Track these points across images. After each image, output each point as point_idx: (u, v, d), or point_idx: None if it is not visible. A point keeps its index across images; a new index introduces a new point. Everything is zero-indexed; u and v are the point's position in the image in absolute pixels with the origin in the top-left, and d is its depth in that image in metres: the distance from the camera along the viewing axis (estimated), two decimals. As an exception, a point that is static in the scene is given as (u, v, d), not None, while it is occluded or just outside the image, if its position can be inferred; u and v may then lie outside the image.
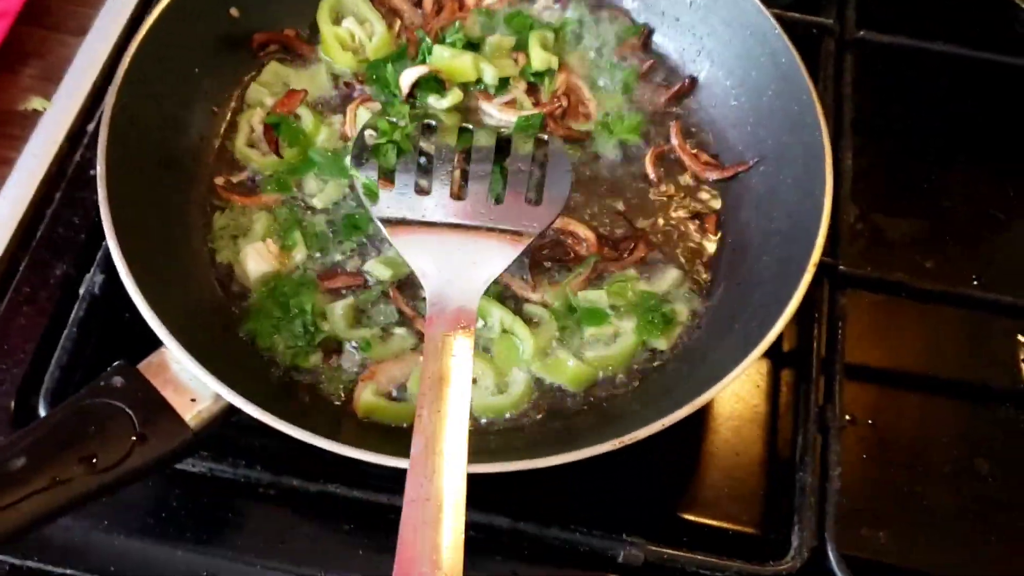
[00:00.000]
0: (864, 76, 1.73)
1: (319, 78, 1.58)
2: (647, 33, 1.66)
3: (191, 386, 1.18)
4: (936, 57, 1.75)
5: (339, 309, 1.37)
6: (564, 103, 1.55)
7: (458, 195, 1.36)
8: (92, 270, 1.42)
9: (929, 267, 1.66)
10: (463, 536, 1.01)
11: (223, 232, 1.44)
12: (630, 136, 1.55)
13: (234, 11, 1.54)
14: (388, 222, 1.33)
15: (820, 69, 1.68)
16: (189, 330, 1.22)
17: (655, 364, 1.40)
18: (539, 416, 1.35)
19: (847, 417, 1.47)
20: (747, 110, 1.54)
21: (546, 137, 1.44)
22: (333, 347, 1.36)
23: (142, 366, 1.20)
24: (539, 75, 1.56)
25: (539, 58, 1.55)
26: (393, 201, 1.35)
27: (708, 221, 1.52)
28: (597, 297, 1.41)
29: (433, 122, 1.45)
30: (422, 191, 1.36)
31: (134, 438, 1.13)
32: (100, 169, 1.28)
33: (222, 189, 1.47)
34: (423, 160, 1.41)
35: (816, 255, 1.29)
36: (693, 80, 1.61)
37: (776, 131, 1.48)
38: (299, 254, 1.42)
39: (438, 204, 1.35)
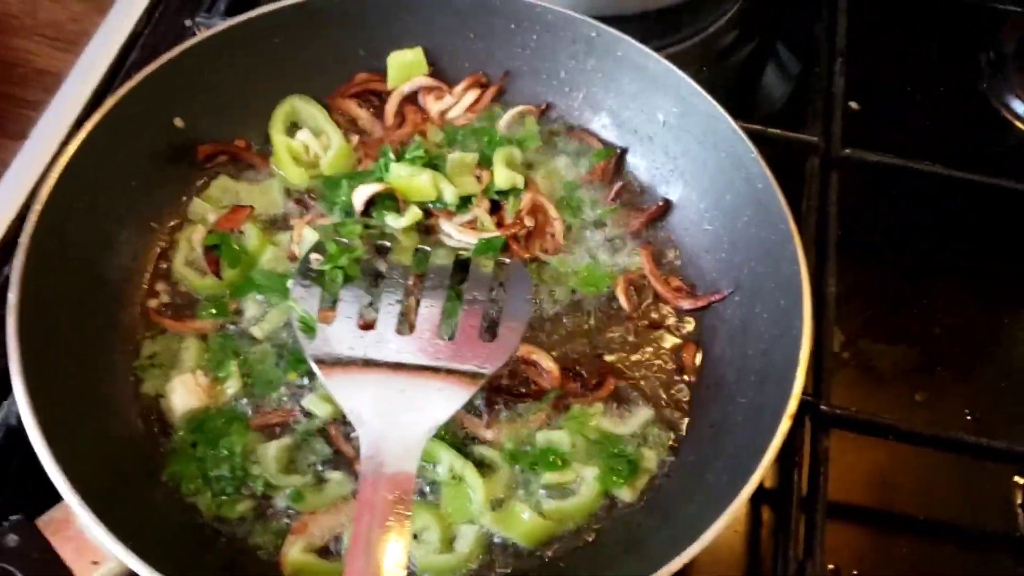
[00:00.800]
0: (850, 195, 1.64)
1: (271, 193, 1.49)
2: (618, 154, 1.57)
3: (95, 546, 1.06)
4: (925, 177, 1.66)
5: (271, 450, 1.25)
6: (530, 224, 1.45)
7: (405, 330, 1.25)
8: (10, 398, 1.30)
9: (920, 400, 1.56)
10: None
11: (151, 361, 1.33)
12: (592, 289, 1.45)
13: (179, 121, 1.45)
14: (322, 362, 1.21)
15: (804, 187, 1.59)
16: (101, 478, 1.12)
17: (619, 518, 1.27)
18: (489, 578, 1.22)
19: (830, 567, 1.36)
20: (722, 235, 1.45)
21: (507, 261, 1.34)
22: (263, 495, 1.24)
23: (42, 521, 1.08)
24: (503, 194, 1.47)
25: (504, 176, 1.46)
26: (331, 337, 1.23)
27: (687, 352, 1.41)
28: (558, 439, 1.30)
29: (388, 243, 1.35)
30: (367, 325, 1.25)
31: (22, 607, 1.02)
32: (12, 296, 1.17)
33: (154, 313, 1.36)
34: (374, 281, 1.32)
35: (793, 405, 1.18)
36: (667, 203, 1.52)
37: (751, 260, 1.39)
38: (232, 388, 1.31)
39: (380, 340, 1.23)
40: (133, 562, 1.02)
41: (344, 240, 1.32)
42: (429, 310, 1.26)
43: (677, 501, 1.25)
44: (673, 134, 1.51)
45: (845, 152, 1.65)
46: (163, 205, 1.45)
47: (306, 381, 1.33)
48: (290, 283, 1.32)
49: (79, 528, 1.06)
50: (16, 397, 1.12)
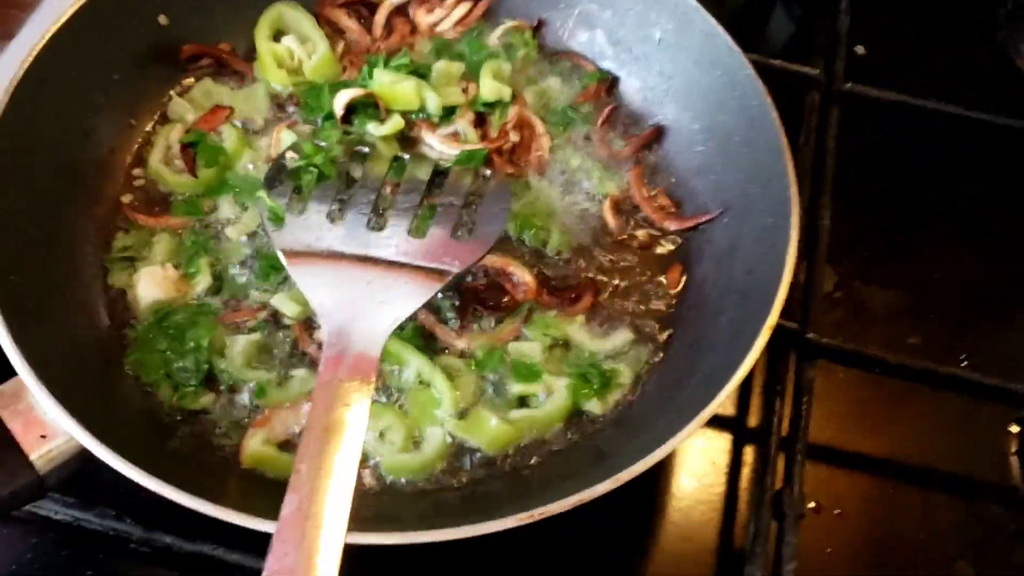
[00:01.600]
0: (850, 132, 1.59)
1: (254, 99, 1.45)
2: (612, 80, 1.53)
3: (44, 421, 1.03)
4: (929, 116, 1.62)
5: (239, 344, 1.22)
6: (515, 138, 1.41)
7: (375, 226, 1.22)
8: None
9: (913, 343, 1.51)
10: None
11: (121, 254, 1.30)
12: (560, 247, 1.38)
13: (163, 18, 1.42)
14: (290, 252, 1.19)
15: (803, 122, 1.56)
16: (60, 361, 1.09)
17: (587, 431, 1.24)
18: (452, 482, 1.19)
19: (811, 504, 1.33)
20: (713, 157, 1.41)
21: (488, 172, 1.31)
22: (225, 388, 1.21)
23: (-9, 390, 1.05)
24: (490, 107, 1.43)
25: (490, 88, 1.42)
26: (299, 228, 1.21)
27: (671, 273, 1.37)
28: (530, 350, 1.26)
29: (366, 149, 1.32)
30: (336, 220, 1.23)
31: (-36, 475, 0.99)
32: (-22, 175, 1.15)
33: (128, 208, 1.34)
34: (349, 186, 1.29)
35: (773, 317, 1.14)
36: (658, 129, 1.48)
37: (742, 181, 1.34)
38: (201, 284, 1.28)
39: (349, 234, 1.20)
40: (85, 438, 0.99)
41: (321, 142, 1.30)
42: (403, 211, 1.23)
43: (647, 417, 1.22)
44: (668, 53, 1.46)
45: (847, 87, 1.61)
46: (143, 103, 1.42)
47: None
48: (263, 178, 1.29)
49: (30, 403, 1.03)
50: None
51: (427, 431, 1.20)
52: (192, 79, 1.46)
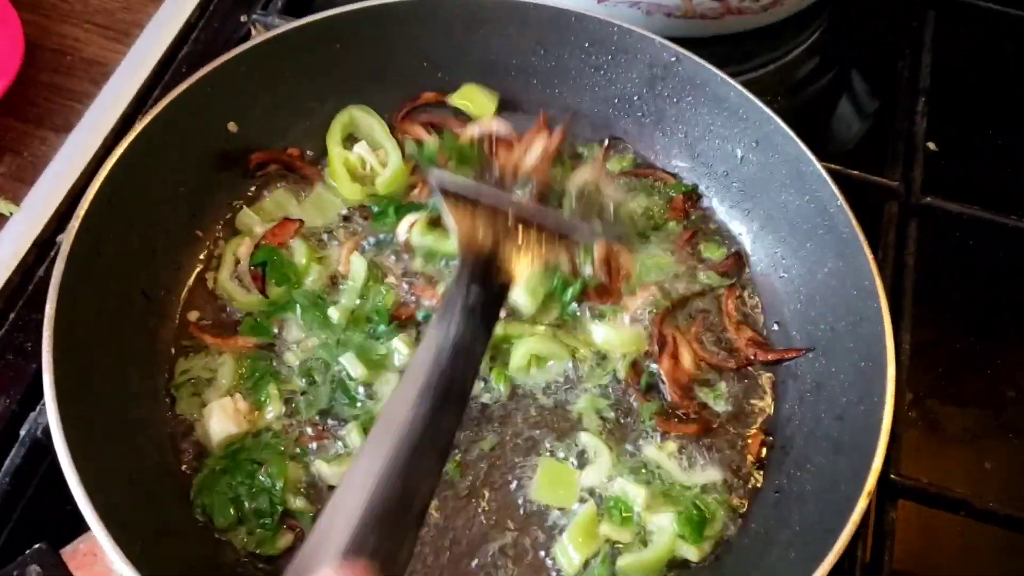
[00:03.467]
0: (928, 246, 1.54)
1: (323, 207, 1.41)
2: (695, 196, 1.49)
3: (121, 587, 0.99)
4: (1009, 232, 1.56)
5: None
6: (602, 275, 1.36)
7: None
8: (38, 409, 1.23)
9: (989, 468, 1.45)
10: None
11: (186, 378, 1.26)
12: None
13: (232, 126, 1.38)
14: (444, 189, 1.19)
15: (881, 235, 1.50)
16: (129, 507, 1.05)
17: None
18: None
19: None
20: (797, 285, 1.36)
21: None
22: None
23: (67, 552, 1.02)
24: None
25: None
26: (452, 175, 1.22)
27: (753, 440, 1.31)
28: (633, 492, 1.22)
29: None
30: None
31: (40, 650, 0.95)
32: (49, 308, 1.10)
33: (195, 327, 1.29)
34: None
35: (871, 481, 1.10)
36: (739, 256, 1.43)
37: (829, 315, 1.30)
38: (271, 413, 1.23)
39: (497, 193, 1.22)
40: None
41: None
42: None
43: (741, 571, 1.17)
44: (751, 171, 1.42)
45: (926, 200, 1.56)
46: (208, 214, 1.38)
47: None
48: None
49: (107, 564, 0.99)
50: (47, 412, 1.05)
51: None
52: (255, 188, 1.42)
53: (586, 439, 1.25)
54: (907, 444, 1.40)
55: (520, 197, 1.22)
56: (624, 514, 1.20)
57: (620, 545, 1.19)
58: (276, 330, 1.30)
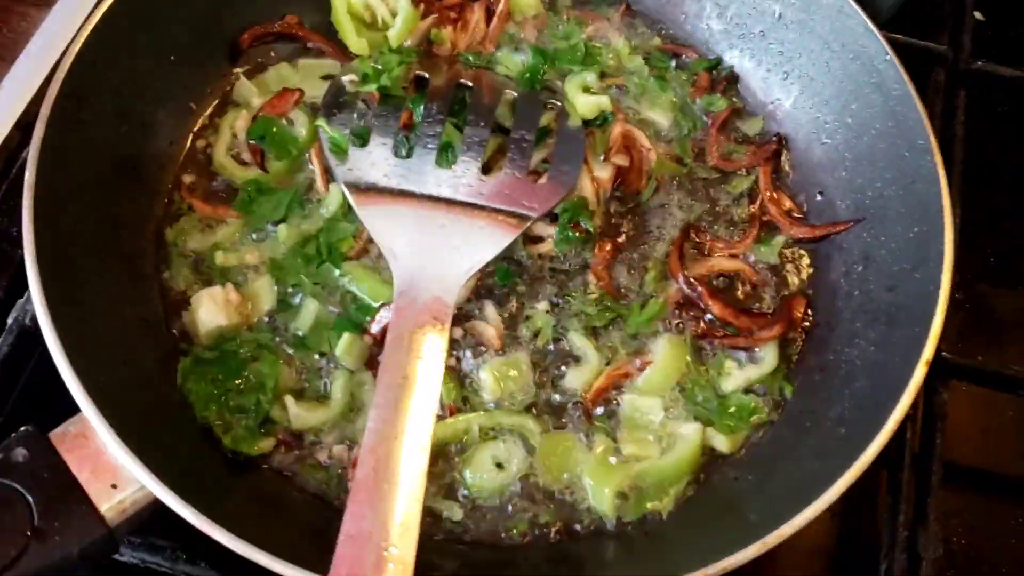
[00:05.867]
0: (978, 115, 1.43)
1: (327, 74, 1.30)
2: (728, 75, 1.37)
3: (114, 467, 0.91)
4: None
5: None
6: (623, 162, 1.25)
7: (444, 162, 1.14)
8: (26, 296, 1.15)
9: (1044, 351, 1.37)
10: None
11: (177, 249, 1.17)
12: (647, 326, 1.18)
13: (224, -11, 1.27)
14: (356, 189, 1.11)
15: (928, 104, 1.38)
16: (120, 387, 0.97)
17: (712, 473, 1.10)
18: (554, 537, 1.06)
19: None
20: (842, 151, 1.25)
21: (557, 104, 1.22)
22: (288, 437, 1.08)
23: (56, 435, 0.94)
24: (588, 124, 1.25)
25: (585, 104, 1.24)
26: (364, 163, 1.13)
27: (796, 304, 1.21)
28: (649, 407, 1.12)
29: (426, 74, 1.23)
30: (402, 155, 1.15)
31: (29, 533, 0.88)
32: (29, 175, 1.02)
33: (187, 191, 1.21)
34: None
35: (930, 350, 1.01)
36: (780, 139, 1.31)
37: (878, 181, 1.20)
38: (267, 302, 1.14)
39: (419, 171, 1.13)
40: (160, 490, 0.88)
41: (379, 66, 1.21)
42: (473, 146, 1.15)
43: (782, 456, 1.08)
44: (790, 32, 1.30)
45: (976, 64, 1.44)
46: (204, 84, 1.28)
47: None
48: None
49: (98, 445, 0.92)
50: (32, 296, 0.97)
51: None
52: (258, 60, 1.32)
53: (576, 340, 1.15)
54: (955, 327, 1.31)
55: (449, 180, 1.12)
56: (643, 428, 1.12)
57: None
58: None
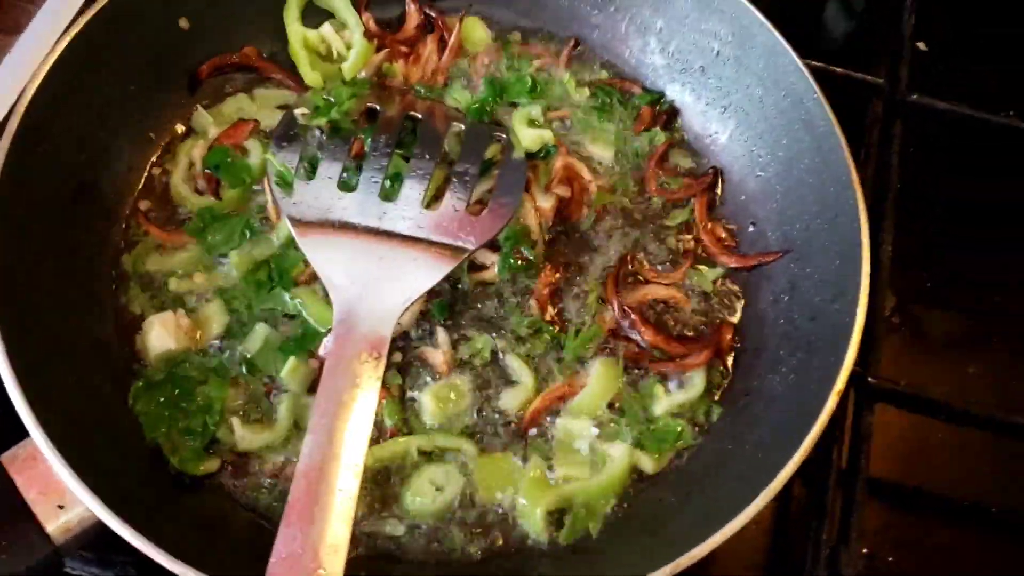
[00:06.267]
0: (913, 145, 1.49)
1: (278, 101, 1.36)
2: (669, 111, 1.42)
3: (61, 488, 0.96)
4: (997, 131, 1.50)
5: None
6: (564, 193, 1.30)
7: (387, 196, 1.19)
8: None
9: (972, 373, 1.42)
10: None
11: (133, 274, 1.22)
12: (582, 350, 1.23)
13: (183, 22, 1.32)
14: (299, 222, 1.16)
15: (865, 133, 1.45)
16: (73, 410, 1.03)
17: (637, 492, 1.15)
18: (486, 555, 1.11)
19: (863, 550, 1.23)
20: (774, 184, 1.31)
21: (503, 136, 1.27)
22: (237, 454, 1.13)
23: (6, 457, 0.99)
24: (532, 156, 1.30)
25: (529, 137, 1.29)
26: (308, 196, 1.18)
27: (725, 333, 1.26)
28: (580, 429, 1.18)
29: (377, 106, 1.28)
30: (347, 188, 1.19)
31: (-24, 549, 0.93)
32: (-11, 197, 1.06)
33: (143, 217, 1.26)
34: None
35: (841, 381, 1.07)
36: (716, 172, 1.37)
37: (806, 214, 1.25)
38: (216, 327, 1.19)
39: (362, 204, 1.17)
40: (102, 511, 0.93)
41: (331, 98, 1.26)
42: (416, 179, 1.20)
43: (704, 478, 1.14)
44: (727, 67, 1.35)
45: (912, 97, 1.50)
46: (161, 113, 1.32)
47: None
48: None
49: (46, 467, 0.96)
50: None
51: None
52: (214, 91, 1.37)
53: (512, 363, 1.20)
54: (889, 349, 1.36)
55: (391, 213, 1.17)
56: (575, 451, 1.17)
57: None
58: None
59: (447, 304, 1.22)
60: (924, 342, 1.46)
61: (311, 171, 1.20)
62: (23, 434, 0.98)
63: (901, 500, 1.34)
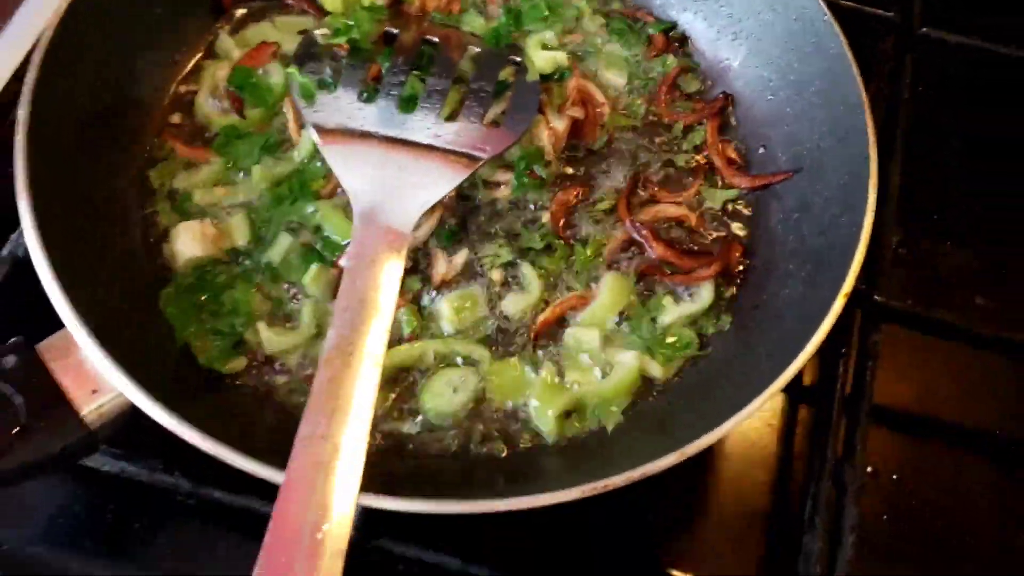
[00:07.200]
0: (924, 80, 1.51)
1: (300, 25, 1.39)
2: (680, 36, 1.45)
3: (95, 375, 1.00)
4: (1010, 64, 1.52)
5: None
6: (578, 115, 1.33)
7: (406, 108, 1.22)
8: (18, 231, 1.23)
9: (980, 304, 1.44)
10: (358, 487, 0.90)
11: (159, 189, 1.26)
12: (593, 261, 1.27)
13: (208, -57, 1.35)
14: (322, 130, 1.19)
15: (875, 68, 1.47)
16: (107, 311, 1.05)
17: (647, 398, 1.19)
18: (500, 450, 1.15)
19: (868, 469, 1.27)
20: (785, 107, 1.33)
21: (518, 59, 1.30)
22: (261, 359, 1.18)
23: (43, 346, 1.02)
24: (546, 79, 1.32)
25: (544, 59, 1.32)
26: (330, 107, 1.21)
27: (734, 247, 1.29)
28: (589, 338, 1.21)
29: (395, 31, 1.30)
30: (367, 100, 1.23)
31: (17, 430, 0.97)
32: (22, 112, 1.10)
33: (168, 133, 1.30)
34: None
35: (849, 283, 1.09)
36: (727, 97, 1.39)
37: (816, 135, 1.28)
38: (241, 238, 1.23)
39: (382, 115, 1.21)
40: (134, 393, 0.96)
41: (350, 21, 1.28)
42: (434, 94, 1.23)
43: (711, 385, 1.17)
44: (738, -8, 1.38)
45: (923, 31, 1.52)
46: (188, 37, 1.36)
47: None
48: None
49: (80, 356, 1.00)
50: (24, 229, 1.04)
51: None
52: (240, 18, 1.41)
53: (525, 270, 1.24)
54: (896, 280, 1.38)
55: (410, 124, 1.20)
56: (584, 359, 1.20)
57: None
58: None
59: (454, 232, 1.26)
60: (932, 274, 1.47)
61: (332, 85, 1.23)
62: (58, 326, 1.01)
63: (906, 426, 1.35)
